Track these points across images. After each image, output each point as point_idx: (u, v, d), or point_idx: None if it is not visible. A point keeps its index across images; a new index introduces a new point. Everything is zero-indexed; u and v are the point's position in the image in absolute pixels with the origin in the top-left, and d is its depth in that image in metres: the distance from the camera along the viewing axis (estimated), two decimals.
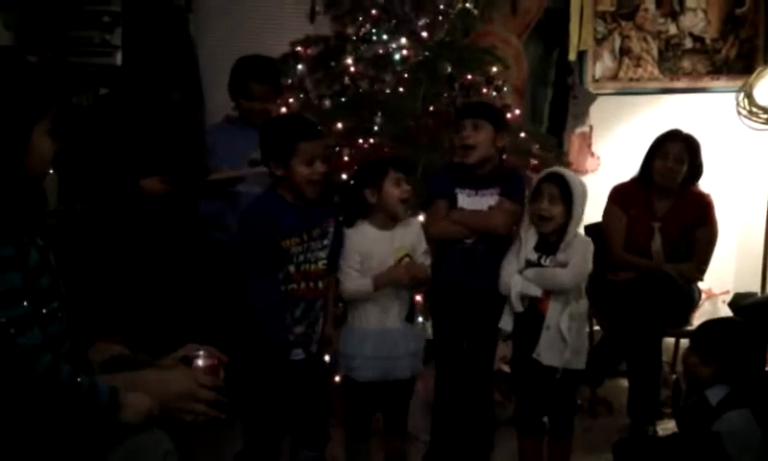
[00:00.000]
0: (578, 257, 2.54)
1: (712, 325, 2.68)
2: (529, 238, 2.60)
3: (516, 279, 2.56)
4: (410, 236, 2.60)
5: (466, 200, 2.77)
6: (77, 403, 1.49)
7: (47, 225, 1.68)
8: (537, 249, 2.59)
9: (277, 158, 2.40)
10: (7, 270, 1.46)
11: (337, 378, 2.68)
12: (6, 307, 1.45)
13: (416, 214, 2.85)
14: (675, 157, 3.31)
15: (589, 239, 2.64)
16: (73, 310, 1.63)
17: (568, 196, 2.54)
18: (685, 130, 3.43)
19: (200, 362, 1.67)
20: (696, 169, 3.37)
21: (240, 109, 3.23)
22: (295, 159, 2.37)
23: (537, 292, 2.53)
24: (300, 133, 2.41)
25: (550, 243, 2.58)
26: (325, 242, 2.48)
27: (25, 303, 1.47)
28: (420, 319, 3.07)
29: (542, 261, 2.57)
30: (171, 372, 1.64)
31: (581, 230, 2.70)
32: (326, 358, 2.60)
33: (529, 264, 2.58)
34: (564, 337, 2.51)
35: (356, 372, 2.51)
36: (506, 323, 2.63)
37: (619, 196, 3.44)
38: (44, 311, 1.53)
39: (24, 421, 1.48)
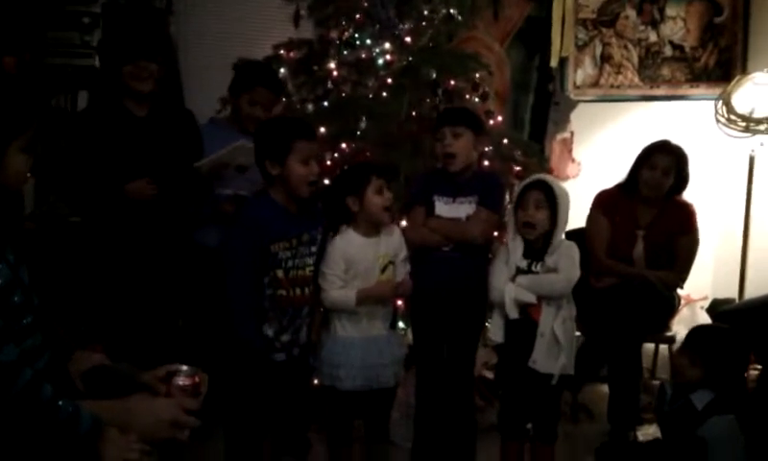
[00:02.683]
0: (568, 262, 2.55)
1: (705, 329, 2.78)
2: (516, 246, 2.60)
3: (509, 287, 2.55)
4: (393, 243, 2.60)
5: (443, 207, 2.78)
6: (56, 427, 1.44)
7: (24, 230, 1.64)
8: (524, 256, 2.59)
9: (273, 157, 2.39)
10: None
11: (315, 382, 2.65)
12: None
13: (399, 220, 2.84)
14: (663, 169, 3.31)
15: (574, 243, 2.65)
16: (50, 323, 1.59)
17: (553, 201, 2.55)
18: (665, 137, 3.45)
19: (180, 381, 1.62)
20: (682, 180, 3.38)
21: (238, 111, 3.11)
22: (291, 158, 2.37)
23: (531, 299, 2.53)
24: (298, 131, 2.42)
25: (536, 249, 2.58)
26: (314, 248, 2.48)
27: None
28: (401, 324, 3.06)
29: (533, 268, 2.57)
30: (154, 401, 1.59)
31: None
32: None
33: (519, 271, 2.58)
34: (559, 341, 2.52)
35: (341, 381, 2.49)
36: (496, 333, 2.62)
37: (604, 203, 3.44)
38: (18, 327, 1.49)
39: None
